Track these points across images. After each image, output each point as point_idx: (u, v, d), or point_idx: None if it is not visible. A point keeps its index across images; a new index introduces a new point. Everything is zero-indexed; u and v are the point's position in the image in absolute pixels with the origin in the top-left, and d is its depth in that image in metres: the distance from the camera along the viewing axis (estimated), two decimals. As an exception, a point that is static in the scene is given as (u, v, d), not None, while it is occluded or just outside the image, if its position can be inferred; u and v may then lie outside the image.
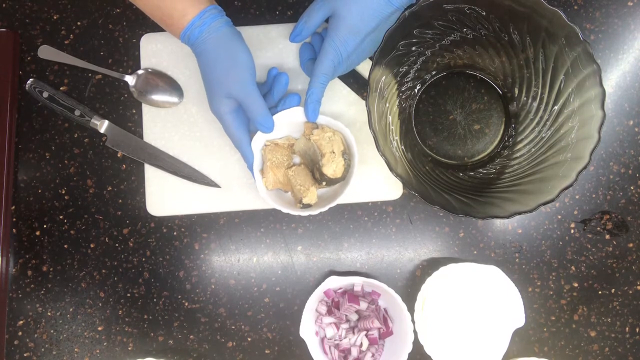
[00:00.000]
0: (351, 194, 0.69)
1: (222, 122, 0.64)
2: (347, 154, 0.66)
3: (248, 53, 0.62)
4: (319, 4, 0.61)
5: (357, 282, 0.67)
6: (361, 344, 0.67)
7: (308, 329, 0.66)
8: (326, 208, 0.65)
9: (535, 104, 0.64)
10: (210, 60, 0.61)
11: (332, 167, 0.65)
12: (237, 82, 0.61)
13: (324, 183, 0.66)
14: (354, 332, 0.67)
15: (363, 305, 0.66)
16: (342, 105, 0.70)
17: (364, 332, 0.67)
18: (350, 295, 0.66)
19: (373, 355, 0.66)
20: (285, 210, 0.65)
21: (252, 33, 0.70)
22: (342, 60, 0.61)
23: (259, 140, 0.66)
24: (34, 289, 0.70)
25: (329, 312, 0.67)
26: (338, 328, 0.67)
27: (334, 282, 0.67)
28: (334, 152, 0.65)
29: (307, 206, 0.66)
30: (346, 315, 0.67)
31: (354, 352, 0.66)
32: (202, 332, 0.70)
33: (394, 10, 0.59)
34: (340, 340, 0.67)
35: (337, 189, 0.67)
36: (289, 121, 0.66)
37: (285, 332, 0.69)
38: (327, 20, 0.62)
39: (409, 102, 0.70)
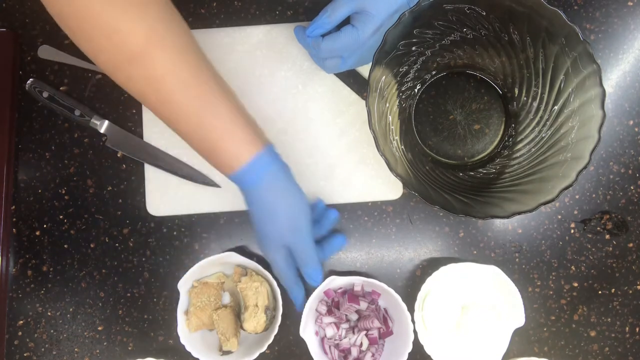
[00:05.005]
0: (351, 194, 0.69)
1: (274, 266, 0.62)
2: (270, 310, 0.66)
3: (304, 198, 0.60)
4: None
5: (357, 282, 0.67)
6: (361, 343, 0.67)
7: (308, 329, 0.66)
8: (249, 358, 0.65)
9: (535, 104, 0.64)
10: (267, 210, 0.59)
11: (252, 323, 0.65)
12: (294, 233, 0.59)
13: (247, 332, 0.66)
14: (354, 332, 0.67)
15: (363, 305, 0.66)
16: (342, 105, 0.70)
17: (364, 332, 0.67)
18: (350, 295, 0.66)
19: (373, 355, 0.66)
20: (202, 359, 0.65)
21: (252, 33, 0.70)
22: (357, 44, 0.60)
23: (187, 280, 0.66)
24: (34, 288, 0.70)
25: (329, 312, 0.67)
26: (338, 328, 0.67)
27: (334, 282, 0.66)
28: (257, 306, 0.65)
29: (228, 352, 0.66)
30: (346, 315, 0.67)
31: (354, 351, 0.66)
32: (202, 332, 0.70)
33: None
34: (340, 340, 0.67)
35: (264, 335, 0.67)
36: (221, 260, 0.67)
37: (285, 332, 0.69)
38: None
39: (409, 102, 0.70)
